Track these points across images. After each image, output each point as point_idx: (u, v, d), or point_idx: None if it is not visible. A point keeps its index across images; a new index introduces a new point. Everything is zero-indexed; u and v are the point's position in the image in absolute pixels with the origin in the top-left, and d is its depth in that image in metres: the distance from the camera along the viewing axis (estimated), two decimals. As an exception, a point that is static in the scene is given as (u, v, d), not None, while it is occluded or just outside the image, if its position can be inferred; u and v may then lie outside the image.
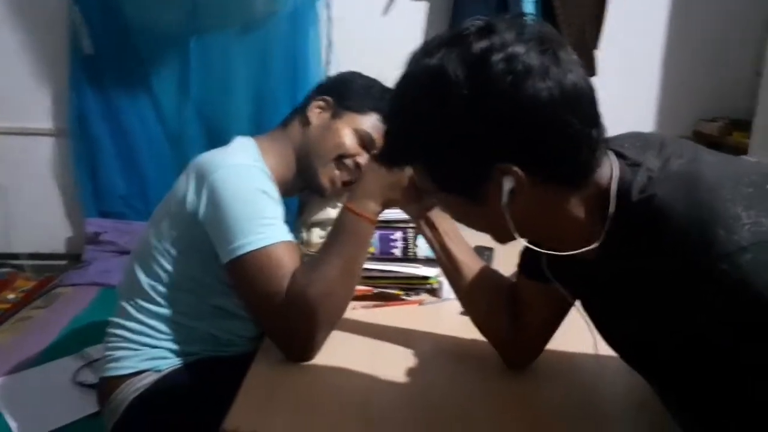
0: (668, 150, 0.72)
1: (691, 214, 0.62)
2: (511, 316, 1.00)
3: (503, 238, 0.78)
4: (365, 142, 1.25)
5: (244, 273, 1.03)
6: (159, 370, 1.16)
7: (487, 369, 1.03)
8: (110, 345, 1.21)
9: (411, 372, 1.01)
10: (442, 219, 1.04)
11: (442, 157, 0.71)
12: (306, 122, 1.27)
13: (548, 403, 0.95)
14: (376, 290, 1.30)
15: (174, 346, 1.18)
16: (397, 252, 1.32)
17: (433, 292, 1.34)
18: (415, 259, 1.33)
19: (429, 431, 0.86)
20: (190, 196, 1.10)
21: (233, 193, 1.05)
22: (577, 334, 0.89)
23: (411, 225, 1.33)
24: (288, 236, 1.06)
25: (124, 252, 2.50)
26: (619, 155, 0.73)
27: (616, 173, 0.71)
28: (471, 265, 1.03)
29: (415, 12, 2.39)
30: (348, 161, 1.25)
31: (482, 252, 1.52)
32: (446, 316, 1.26)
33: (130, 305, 1.19)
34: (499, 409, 0.91)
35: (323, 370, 1.00)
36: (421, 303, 1.30)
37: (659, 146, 0.73)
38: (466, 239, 1.07)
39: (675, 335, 0.67)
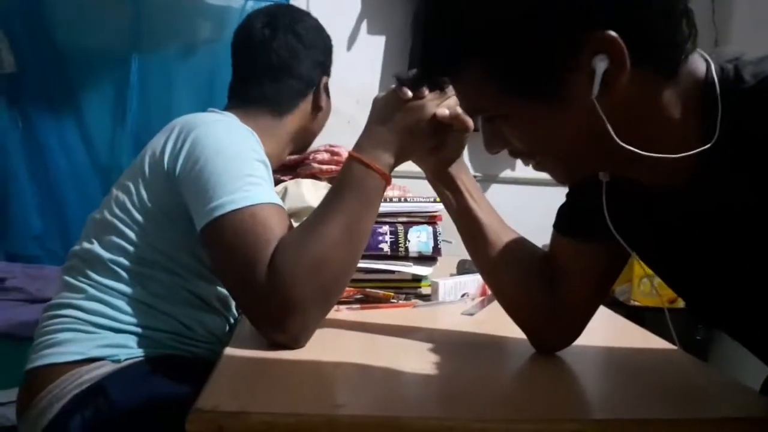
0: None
1: None
2: (545, 286, 0.83)
3: (589, 159, 0.63)
4: None
5: (223, 236, 0.82)
6: (117, 360, 0.93)
7: (498, 360, 0.85)
8: (51, 328, 0.96)
9: (409, 359, 0.81)
10: (464, 175, 0.88)
11: (515, 35, 0.56)
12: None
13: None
14: (359, 296, 1.10)
15: (140, 333, 0.96)
16: (386, 248, 1.13)
17: (426, 297, 1.15)
18: (406, 257, 1.14)
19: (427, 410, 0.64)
20: (169, 153, 0.93)
21: (217, 148, 0.88)
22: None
23: (400, 219, 1.16)
24: (277, 200, 0.87)
25: (35, 301, 2.14)
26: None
27: (712, 63, 0.60)
28: (498, 231, 0.86)
29: (374, 46, 2.34)
30: None
31: (465, 264, 1.36)
32: (447, 317, 1.07)
33: (85, 282, 0.97)
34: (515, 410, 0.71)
35: (309, 348, 0.79)
36: (413, 306, 1.10)
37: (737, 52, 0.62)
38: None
39: None
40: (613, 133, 0.57)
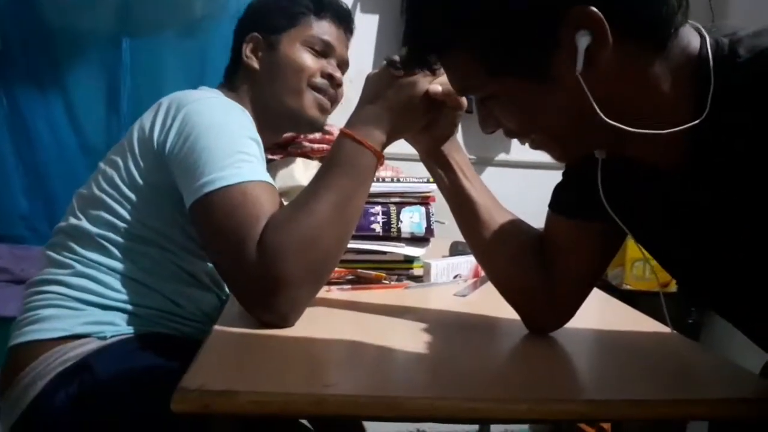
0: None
1: None
2: (540, 266, 0.82)
3: (579, 137, 0.62)
4: (321, 49, 1.11)
5: (212, 213, 0.80)
6: (103, 337, 0.91)
7: (490, 340, 0.84)
8: (35, 304, 0.94)
9: (400, 339, 0.79)
10: (456, 153, 0.86)
11: (497, 14, 0.55)
12: (250, 73, 1.10)
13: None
14: (350, 276, 1.08)
15: (128, 308, 0.94)
16: (378, 228, 1.11)
17: (418, 278, 1.14)
18: (398, 237, 1.12)
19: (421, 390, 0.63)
20: (159, 129, 0.91)
21: (209, 124, 0.87)
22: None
23: (393, 199, 1.15)
24: (269, 178, 0.85)
25: (21, 281, 2.12)
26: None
27: (707, 36, 0.59)
28: (491, 210, 0.84)
29: (367, 25, 2.30)
30: (318, 80, 1.10)
31: (458, 246, 1.35)
32: (439, 298, 1.06)
33: (71, 258, 0.95)
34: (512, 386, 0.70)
35: (298, 327, 0.77)
36: (405, 287, 1.09)
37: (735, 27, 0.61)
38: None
39: None
40: (598, 109, 0.56)
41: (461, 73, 0.63)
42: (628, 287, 1.91)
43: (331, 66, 1.11)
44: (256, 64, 1.10)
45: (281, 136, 1.19)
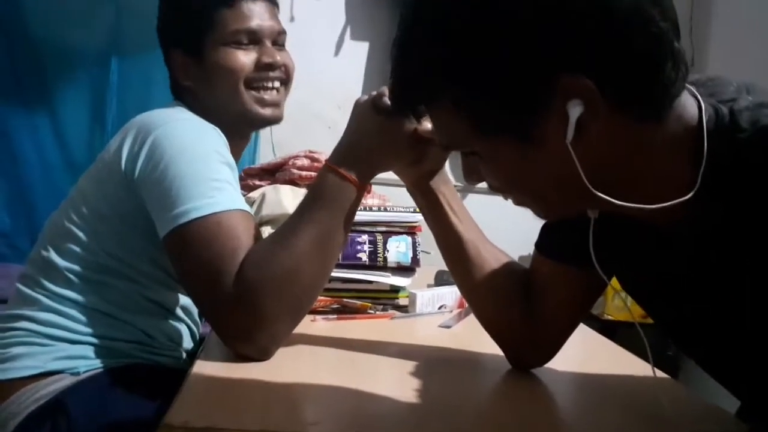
0: (746, 88, 0.60)
1: None
2: (524, 305, 0.82)
3: (563, 201, 0.61)
4: (248, 40, 0.99)
5: (187, 245, 0.79)
6: (76, 373, 0.88)
7: (473, 376, 0.84)
8: (4, 342, 0.91)
9: (385, 375, 0.80)
10: (444, 187, 0.86)
11: (485, 74, 0.54)
12: (189, 91, 1.02)
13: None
14: (336, 305, 1.09)
15: (98, 343, 0.91)
16: (364, 257, 1.12)
17: (404, 308, 1.14)
18: (384, 267, 1.13)
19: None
20: (126, 154, 0.87)
21: (180, 150, 0.84)
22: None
23: (379, 228, 1.15)
24: (244, 205, 0.84)
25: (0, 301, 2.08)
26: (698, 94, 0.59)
27: (704, 105, 0.57)
28: (477, 246, 0.85)
29: (357, 52, 2.33)
30: (251, 75, 0.99)
31: (444, 275, 1.36)
32: (424, 329, 1.07)
33: (39, 292, 0.92)
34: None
35: (282, 362, 0.77)
36: (391, 318, 1.09)
37: (743, 86, 0.60)
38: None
39: None
40: (586, 181, 0.55)
41: (446, 129, 0.61)
42: (609, 317, 1.93)
43: (266, 52, 1.00)
44: (190, 82, 1.01)
45: (248, 137, 1.10)
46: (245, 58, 0.99)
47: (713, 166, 0.55)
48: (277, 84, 1.02)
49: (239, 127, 1.03)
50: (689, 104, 0.58)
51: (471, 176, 0.64)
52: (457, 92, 0.56)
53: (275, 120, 1.03)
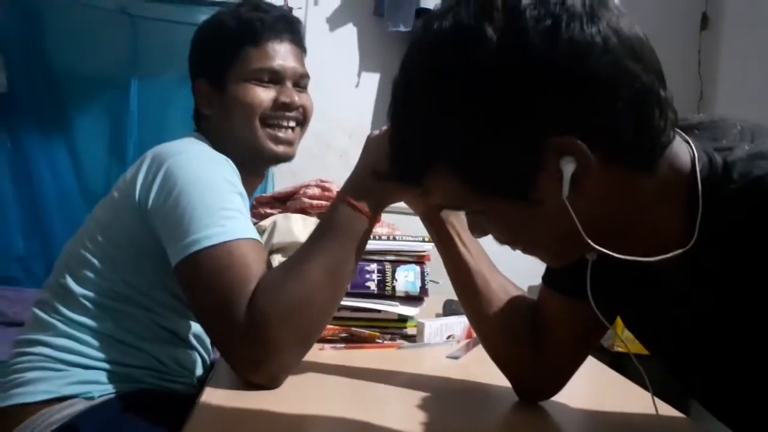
0: (751, 133, 0.61)
1: None
2: (531, 337, 0.83)
3: (567, 251, 0.63)
4: (271, 75, 1.03)
5: (199, 274, 0.80)
6: (90, 398, 0.89)
7: (481, 408, 0.84)
8: (19, 366, 0.92)
9: (392, 406, 0.80)
10: (455, 219, 0.87)
11: (478, 143, 0.56)
12: (209, 120, 1.05)
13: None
14: (344, 334, 1.09)
15: (112, 369, 0.92)
16: (373, 286, 1.13)
17: (411, 338, 1.14)
18: (392, 296, 1.14)
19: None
20: (140, 184, 0.90)
21: (192, 180, 0.86)
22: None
23: (388, 257, 1.16)
24: (255, 234, 0.85)
25: (14, 324, 2.10)
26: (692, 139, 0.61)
27: (696, 153, 0.58)
28: (487, 277, 0.86)
29: (368, 83, 2.37)
30: (268, 113, 1.02)
31: (452, 305, 1.36)
32: (432, 360, 1.07)
33: (55, 318, 0.93)
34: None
35: (290, 391, 0.77)
36: (398, 347, 1.10)
37: (748, 130, 0.61)
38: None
39: None
40: (584, 234, 0.56)
41: (447, 191, 0.62)
42: (619, 350, 1.91)
43: (284, 92, 1.03)
44: (210, 111, 1.05)
45: (262, 174, 1.14)
46: (264, 94, 1.02)
47: (707, 216, 0.56)
48: (292, 123, 1.05)
49: (252, 162, 1.05)
50: (682, 152, 0.59)
51: (476, 231, 0.66)
52: (452, 160, 0.58)
53: (287, 158, 1.07)
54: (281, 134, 1.04)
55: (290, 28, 1.06)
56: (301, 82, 1.07)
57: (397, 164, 0.66)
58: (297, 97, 1.04)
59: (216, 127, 1.04)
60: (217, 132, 1.04)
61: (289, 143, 1.05)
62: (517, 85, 0.53)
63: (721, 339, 0.61)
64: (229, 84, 1.02)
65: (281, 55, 1.03)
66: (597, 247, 0.57)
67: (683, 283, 0.61)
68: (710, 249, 0.56)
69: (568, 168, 0.54)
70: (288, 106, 1.03)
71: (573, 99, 0.53)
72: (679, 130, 0.60)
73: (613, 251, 0.59)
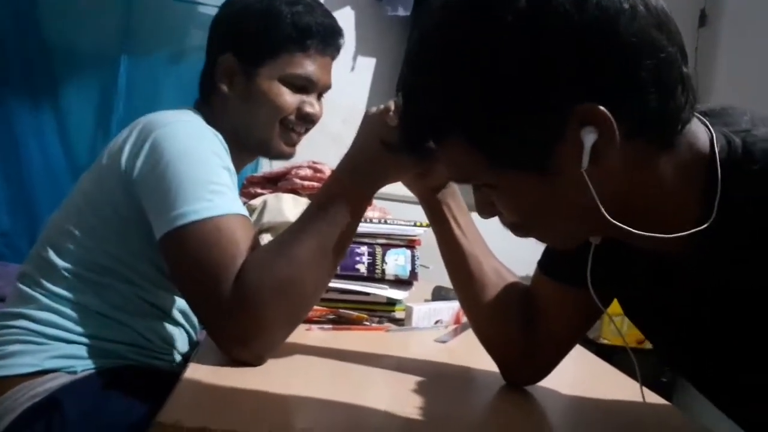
0: (762, 120, 0.59)
1: None
2: (522, 322, 0.82)
3: (578, 229, 0.61)
4: (301, 85, 1.02)
5: (185, 249, 0.78)
6: (73, 372, 0.88)
7: (466, 391, 0.84)
8: (1, 339, 0.91)
9: (378, 387, 0.79)
10: (452, 200, 0.86)
11: (499, 110, 0.54)
12: (221, 95, 1.01)
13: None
14: (332, 315, 1.08)
15: (95, 344, 0.91)
16: (362, 269, 1.12)
17: (400, 321, 1.14)
18: (382, 279, 1.13)
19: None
20: (127, 154, 0.87)
21: (179, 151, 0.83)
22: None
23: (379, 240, 1.16)
24: (243, 210, 0.84)
25: (-4, 299, 2.08)
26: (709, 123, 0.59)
27: (714, 134, 0.57)
28: (480, 260, 0.85)
29: (364, 67, 2.35)
30: (291, 118, 1.02)
31: (441, 291, 1.36)
32: (419, 343, 1.06)
33: (37, 291, 0.92)
34: None
35: (276, 369, 0.77)
36: (386, 330, 1.09)
37: (758, 119, 0.60)
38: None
39: None
40: (603, 209, 0.55)
41: (458, 162, 0.60)
42: (605, 341, 1.92)
43: (309, 103, 1.03)
44: (228, 89, 1.00)
45: (254, 159, 1.14)
46: (291, 99, 1.02)
47: (725, 197, 0.55)
48: (305, 129, 1.07)
49: (249, 149, 1.06)
50: (700, 132, 0.58)
51: (484, 209, 0.64)
52: (471, 126, 0.56)
53: (289, 157, 1.09)
54: (294, 138, 1.06)
55: (337, 44, 1.06)
56: (323, 92, 1.08)
57: (408, 136, 0.64)
58: (319, 109, 1.05)
59: (231, 108, 1.01)
60: (230, 112, 1.01)
61: (295, 144, 1.07)
62: (543, 49, 0.52)
63: (734, 320, 0.60)
64: (262, 75, 1.00)
65: (321, 68, 1.03)
66: (615, 222, 0.55)
67: (690, 269, 0.60)
68: (730, 228, 0.55)
69: (590, 138, 0.53)
70: (310, 117, 1.04)
71: (599, 66, 0.52)
72: (699, 114, 0.59)
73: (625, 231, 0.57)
